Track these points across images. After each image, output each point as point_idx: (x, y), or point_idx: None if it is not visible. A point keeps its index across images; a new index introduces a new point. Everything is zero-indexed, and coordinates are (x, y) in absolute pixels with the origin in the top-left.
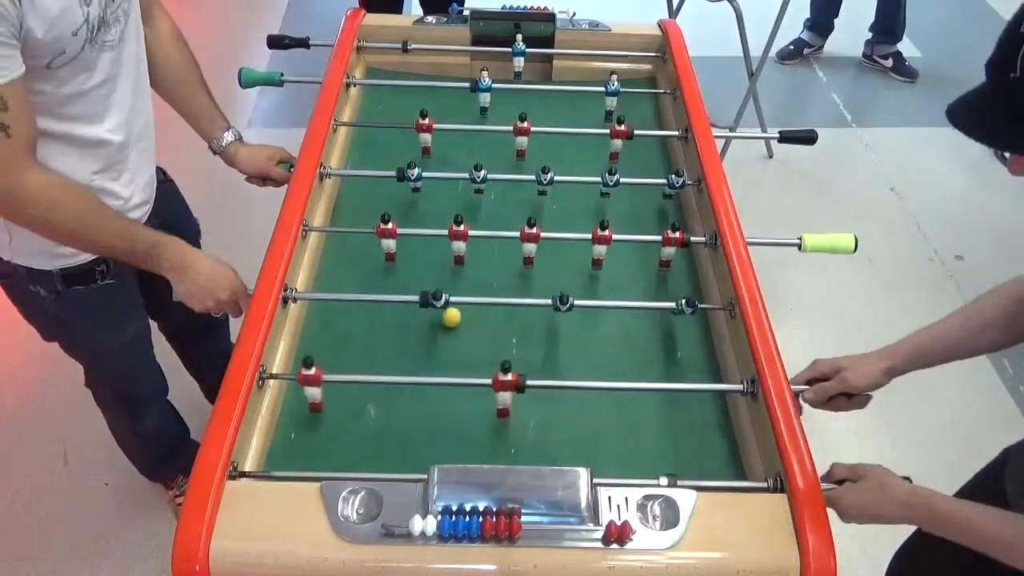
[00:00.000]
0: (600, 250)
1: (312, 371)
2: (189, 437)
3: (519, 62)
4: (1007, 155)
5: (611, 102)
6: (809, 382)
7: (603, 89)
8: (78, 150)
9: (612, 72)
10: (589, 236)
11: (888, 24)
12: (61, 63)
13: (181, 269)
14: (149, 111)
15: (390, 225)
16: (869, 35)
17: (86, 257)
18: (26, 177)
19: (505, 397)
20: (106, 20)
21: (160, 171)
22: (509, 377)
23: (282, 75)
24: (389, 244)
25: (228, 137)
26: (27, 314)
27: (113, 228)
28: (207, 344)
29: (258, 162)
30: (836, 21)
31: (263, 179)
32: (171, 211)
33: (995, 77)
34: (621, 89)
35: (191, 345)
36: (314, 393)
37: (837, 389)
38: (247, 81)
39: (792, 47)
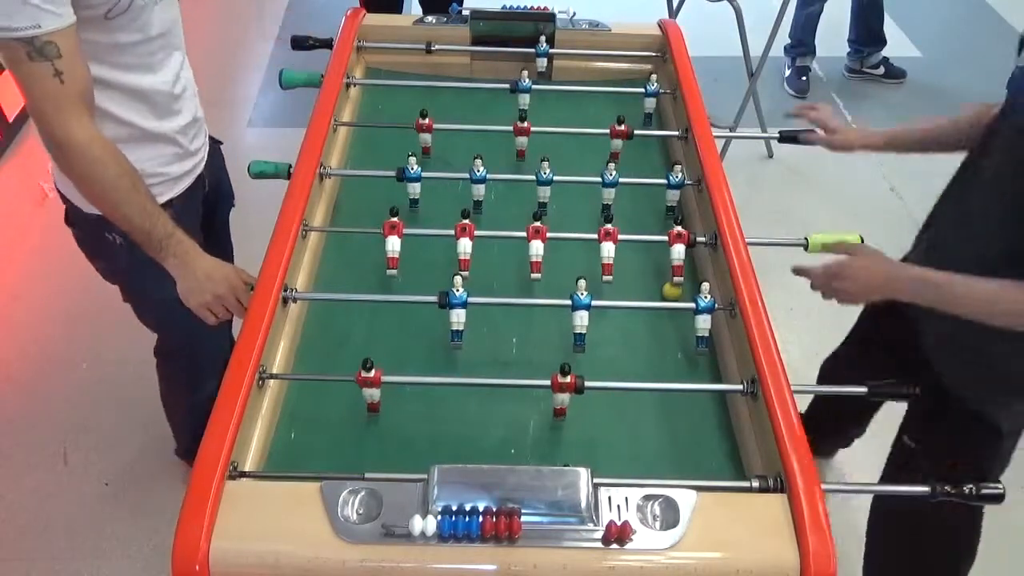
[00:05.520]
0: (606, 249)
1: (372, 373)
2: None
3: (542, 62)
4: None
5: (650, 103)
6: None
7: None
8: (134, 98)
9: (651, 72)
10: (594, 236)
11: (874, 30)
12: (118, 12)
13: (184, 264)
14: (188, 66)
15: (396, 220)
16: (849, 49)
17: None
18: (77, 128)
19: (563, 398)
20: None
21: (209, 136)
22: (568, 380)
23: (322, 76)
24: (394, 246)
25: None
26: (104, 269)
27: (140, 203)
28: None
29: None
30: (817, 40)
31: None
32: (219, 175)
33: None
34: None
35: None
36: (372, 394)
37: (823, 142)
38: (288, 82)
39: (804, 79)
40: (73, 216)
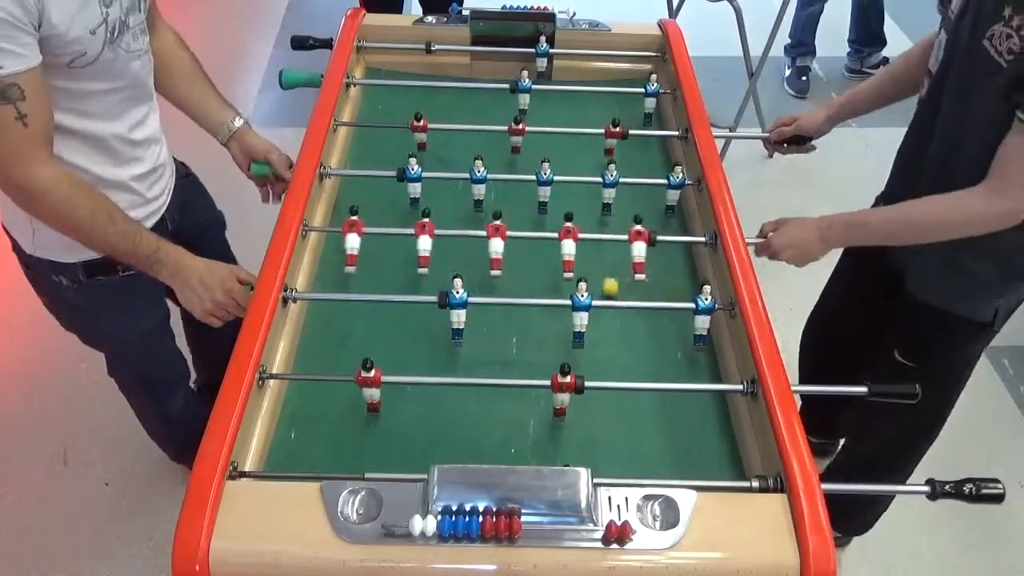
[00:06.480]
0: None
1: (372, 373)
2: None
3: (542, 62)
4: None
5: (650, 103)
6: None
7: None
8: (90, 145)
9: (651, 72)
10: (554, 235)
11: (874, 30)
12: (83, 63)
13: (177, 274)
14: (157, 110)
15: (356, 218)
16: (849, 49)
17: None
18: (41, 169)
19: (563, 398)
20: (128, 26)
21: (181, 165)
22: (568, 380)
23: (322, 76)
24: (352, 243)
25: (239, 121)
26: (49, 304)
27: (119, 229)
28: (215, 334)
29: (265, 145)
30: (817, 40)
31: (262, 179)
32: (193, 204)
33: None
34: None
35: (202, 332)
36: (372, 394)
37: (792, 132)
38: (288, 83)
39: (804, 79)
40: (18, 254)
